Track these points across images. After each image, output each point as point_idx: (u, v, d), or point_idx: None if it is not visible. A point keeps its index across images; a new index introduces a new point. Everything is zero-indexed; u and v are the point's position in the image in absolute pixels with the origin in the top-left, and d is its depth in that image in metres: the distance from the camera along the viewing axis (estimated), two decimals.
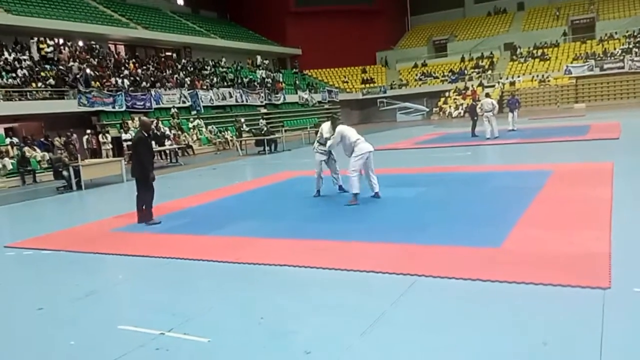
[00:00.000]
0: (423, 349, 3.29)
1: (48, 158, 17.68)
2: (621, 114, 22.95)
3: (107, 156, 20.63)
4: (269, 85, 35.86)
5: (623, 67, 34.87)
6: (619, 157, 10.48)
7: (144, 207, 7.90)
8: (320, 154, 8.78)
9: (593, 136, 15.04)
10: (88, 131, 21.94)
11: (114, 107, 23.33)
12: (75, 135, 20.28)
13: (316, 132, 9.24)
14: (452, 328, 3.55)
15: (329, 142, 8.42)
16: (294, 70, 44.35)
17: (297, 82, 40.28)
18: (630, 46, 36.51)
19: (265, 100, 33.73)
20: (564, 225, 5.79)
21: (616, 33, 39.13)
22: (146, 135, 7.90)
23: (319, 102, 39.42)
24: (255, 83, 34.97)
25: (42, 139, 20.09)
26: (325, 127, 8.73)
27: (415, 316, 3.80)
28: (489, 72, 41.13)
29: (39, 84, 21.65)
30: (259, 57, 39.97)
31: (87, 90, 22.40)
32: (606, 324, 3.37)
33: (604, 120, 20.63)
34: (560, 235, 5.41)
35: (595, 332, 3.27)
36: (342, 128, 8.28)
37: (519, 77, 38.66)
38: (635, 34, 37.82)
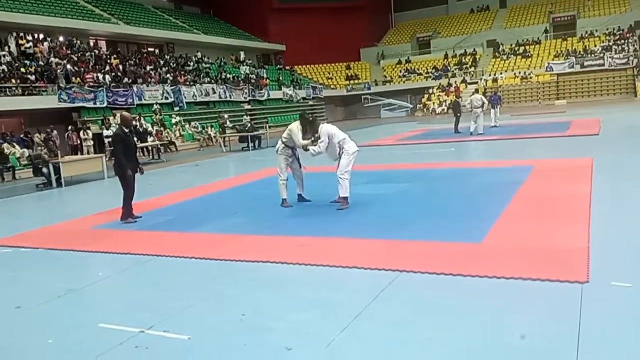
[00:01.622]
0: (404, 344, 3.30)
1: (27, 155, 17.42)
2: (601, 111, 23.29)
3: (88, 153, 20.38)
4: (252, 81, 35.71)
5: (603, 64, 35.42)
6: (599, 152, 10.62)
7: (122, 206, 7.78)
8: (286, 157, 7.82)
9: (573, 132, 15.25)
10: (70, 127, 21.65)
11: (95, 103, 23.06)
12: (55, 132, 20.00)
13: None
14: (432, 322, 3.57)
15: (317, 148, 7.37)
16: (278, 66, 44.21)
17: (281, 78, 40.18)
18: (610, 44, 37.06)
19: (249, 96, 33.59)
20: (543, 221, 5.86)
21: (596, 31, 39.69)
22: (126, 131, 7.77)
23: (303, 98, 39.38)
24: (239, 79, 34.80)
25: (21, 136, 19.81)
26: (295, 127, 7.68)
27: (397, 311, 3.81)
28: (472, 68, 41.45)
29: (18, 80, 21.28)
30: (242, 53, 39.79)
31: (67, 86, 22.08)
32: (584, 317, 3.41)
33: (584, 116, 20.92)
34: (539, 231, 5.46)
35: (573, 325, 3.31)
36: (327, 127, 7.47)
37: (501, 73, 39.05)
38: (614, 31, 38.39)
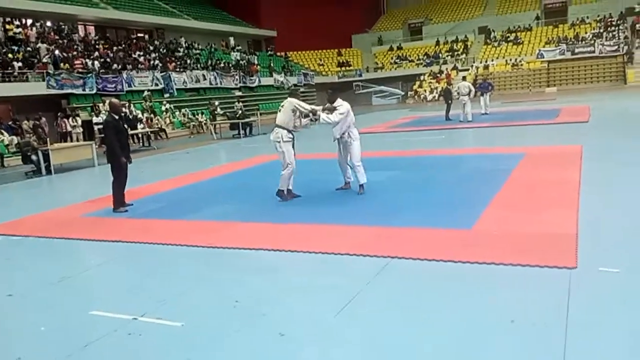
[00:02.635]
0: (395, 328, 3.34)
1: (16, 142, 17.25)
2: (591, 98, 23.39)
3: (78, 140, 20.21)
4: (243, 67, 35.45)
5: (593, 52, 35.47)
6: (588, 140, 10.70)
7: (113, 194, 7.73)
8: (289, 143, 7.17)
9: (563, 119, 15.33)
10: (59, 114, 21.40)
11: (84, 90, 22.81)
12: (44, 119, 19.77)
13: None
14: (424, 307, 3.62)
15: (333, 117, 6.98)
16: (269, 52, 43.88)
17: (272, 64, 39.90)
18: (601, 31, 37.11)
19: (240, 83, 33.37)
20: (533, 207, 5.91)
21: (587, 17, 39.71)
22: (116, 118, 7.72)
23: (295, 85, 39.16)
24: (230, 65, 34.54)
25: (10, 123, 19.58)
26: (295, 100, 7.23)
27: (389, 297, 3.85)
28: (463, 55, 41.40)
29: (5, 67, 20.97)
30: (232, 39, 39.43)
31: (56, 72, 21.82)
32: (572, 302, 3.47)
33: (574, 103, 21.00)
34: (529, 217, 5.52)
35: (561, 310, 3.36)
36: (347, 104, 7.16)
37: (492, 60, 39.03)
38: (605, 18, 38.43)
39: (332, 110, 7.12)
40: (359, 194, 7.33)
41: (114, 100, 8.24)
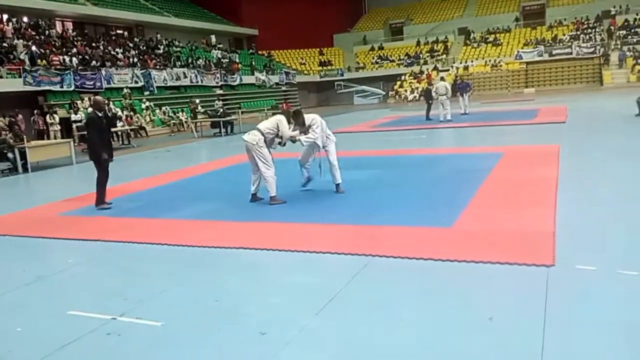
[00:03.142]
0: (376, 327, 3.35)
1: None
2: (568, 99, 23.79)
3: (55, 138, 19.88)
4: (224, 65, 35.25)
5: (571, 53, 36.07)
6: (565, 139, 10.89)
7: (97, 191, 7.67)
8: (264, 147, 7.00)
9: (541, 120, 15.56)
10: (35, 111, 21.03)
11: (62, 87, 22.46)
12: (20, 116, 19.44)
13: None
14: (404, 306, 3.64)
15: (312, 135, 6.99)
16: (251, 51, 43.71)
17: (254, 63, 39.75)
18: (578, 32, 37.74)
19: (221, 81, 33.18)
20: (512, 206, 5.99)
21: (565, 19, 40.36)
22: (99, 115, 7.66)
23: (277, 83, 39.09)
24: (211, 63, 34.31)
25: None
26: (283, 118, 7.12)
27: (369, 295, 3.87)
28: (444, 56, 41.75)
29: None
30: (213, 37, 39.19)
31: (33, 69, 21.44)
32: (549, 299, 3.51)
33: (552, 104, 21.34)
34: (508, 215, 5.59)
35: (539, 307, 3.41)
36: (318, 116, 7.13)
37: (472, 61, 39.43)
38: (582, 20, 39.10)
39: (307, 131, 7.08)
40: (336, 193, 7.38)
41: (98, 97, 8.21)
